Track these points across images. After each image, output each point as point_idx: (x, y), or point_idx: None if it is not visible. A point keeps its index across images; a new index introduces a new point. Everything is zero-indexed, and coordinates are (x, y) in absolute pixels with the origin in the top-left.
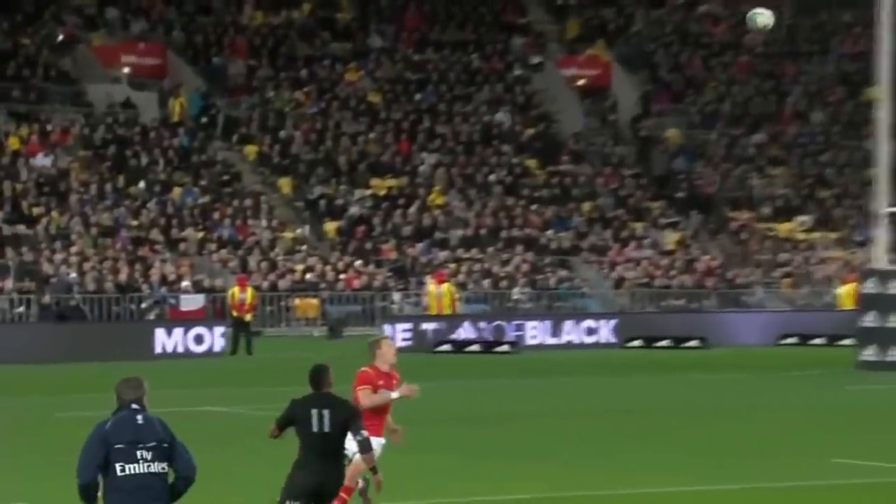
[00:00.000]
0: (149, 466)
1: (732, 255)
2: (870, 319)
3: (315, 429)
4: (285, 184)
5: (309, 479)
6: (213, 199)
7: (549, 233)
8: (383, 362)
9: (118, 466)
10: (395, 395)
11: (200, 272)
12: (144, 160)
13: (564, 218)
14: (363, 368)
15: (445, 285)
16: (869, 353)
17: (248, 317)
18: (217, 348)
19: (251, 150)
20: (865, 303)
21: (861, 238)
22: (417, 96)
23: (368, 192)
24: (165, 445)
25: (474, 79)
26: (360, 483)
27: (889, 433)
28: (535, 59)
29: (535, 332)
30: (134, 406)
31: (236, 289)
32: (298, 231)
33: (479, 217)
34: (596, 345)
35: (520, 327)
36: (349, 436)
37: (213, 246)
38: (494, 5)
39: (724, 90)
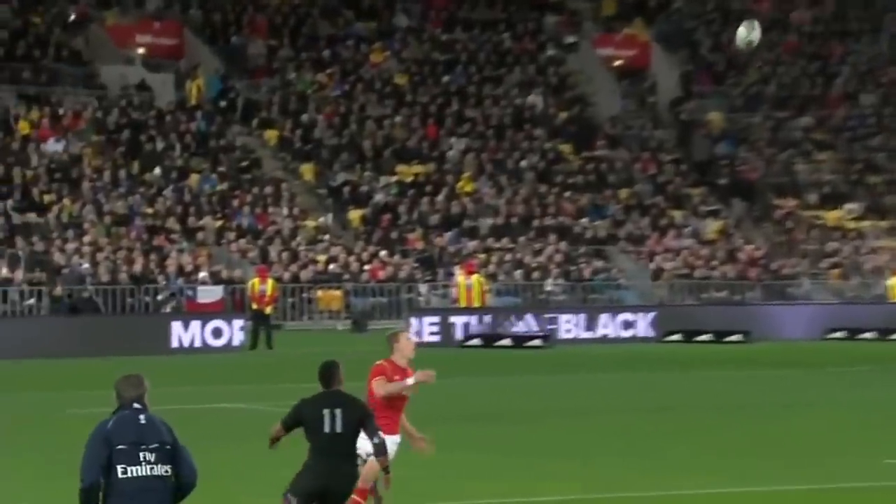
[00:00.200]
0: (152, 469)
1: (777, 244)
2: None
3: (327, 429)
4: (307, 170)
5: (314, 481)
6: (231, 186)
7: (584, 221)
8: (401, 356)
9: (120, 468)
10: (410, 381)
11: (218, 263)
12: (160, 145)
13: (600, 206)
14: (379, 362)
15: (475, 276)
16: None
17: (268, 309)
18: (236, 342)
19: (272, 134)
20: None
21: None
22: (446, 78)
23: (394, 178)
24: (168, 447)
25: (505, 59)
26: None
27: None
28: (570, 39)
29: (569, 326)
30: (135, 405)
31: (256, 280)
32: (321, 220)
33: (510, 205)
34: (633, 339)
35: (553, 321)
36: (361, 436)
37: (231, 235)
38: None
39: (768, 71)
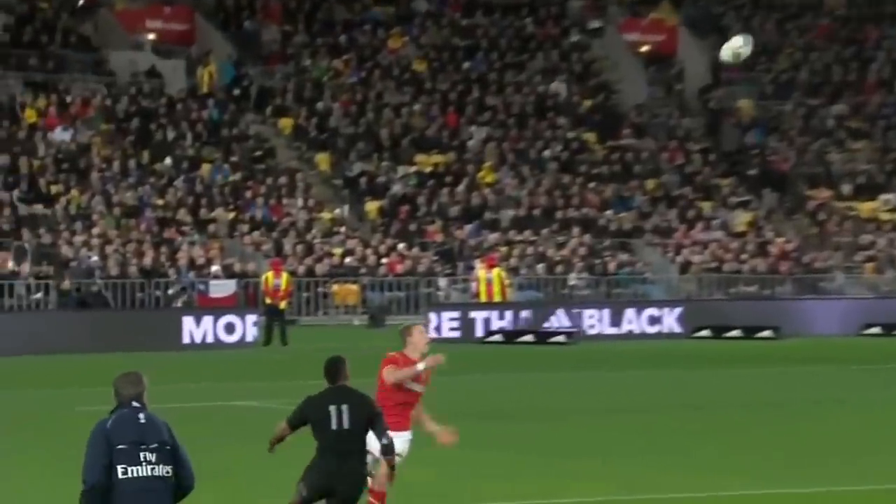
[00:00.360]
0: (153, 469)
1: (809, 237)
2: None
3: (334, 426)
4: (323, 160)
5: (322, 479)
6: (244, 177)
7: (609, 213)
8: (414, 350)
9: (119, 469)
10: (421, 366)
11: (231, 256)
12: (171, 134)
13: (625, 197)
14: (390, 353)
15: (496, 270)
16: None
17: (282, 304)
18: (249, 338)
19: (286, 123)
20: None
21: None
22: (466, 64)
23: (413, 169)
24: (168, 447)
25: (528, 45)
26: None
27: None
28: (594, 24)
29: (594, 322)
30: (134, 403)
31: (270, 274)
32: (337, 211)
33: (532, 196)
34: (659, 335)
35: (577, 316)
36: (371, 434)
37: (244, 227)
38: None
39: (800, 57)
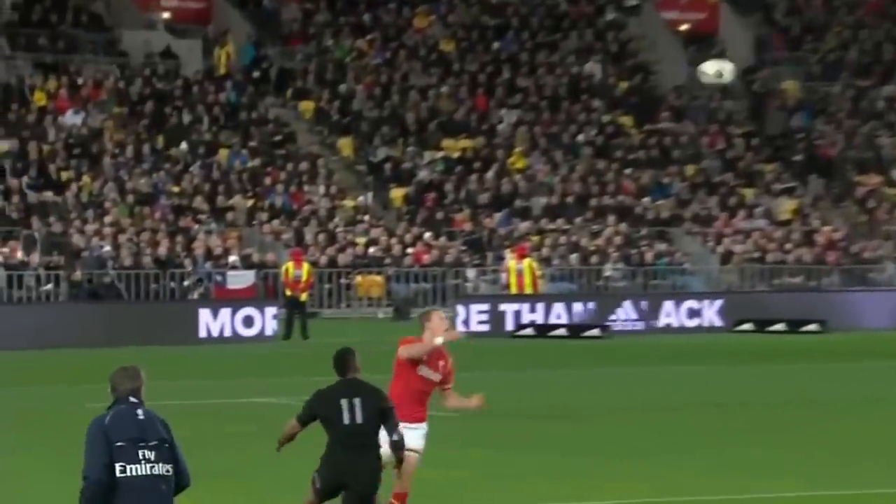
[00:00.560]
0: (152, 468)
1: (858, 225)
2: None
3: (346, 420)
4: (346, 145)
5: (335, 475)
6: (264, 163)
7: (646, 201)
8: (432, 336)
9: (118, 467)
10: (439, 340)
11: (250, 245)
12: (187, 118)
13: (663, 184)
14: (408, 337)
15: (527, 261)
16: None
17: (303, 296)
18: (268, 332)
19: (307, 106)
20: None
21: None
22: (496, 44)
23: (440, 154)
24: (167, 445)
25: (561, 24)
26: None
27: None
28: (631, 1)
29: (630, 315)
30: (132, 399)
31: (290, 264)
32: (360, 199)
33: (565, 183)
34: (699, 329)
35: (612, 309)
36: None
37: (264, 216)
38: None
39: (849, 36)
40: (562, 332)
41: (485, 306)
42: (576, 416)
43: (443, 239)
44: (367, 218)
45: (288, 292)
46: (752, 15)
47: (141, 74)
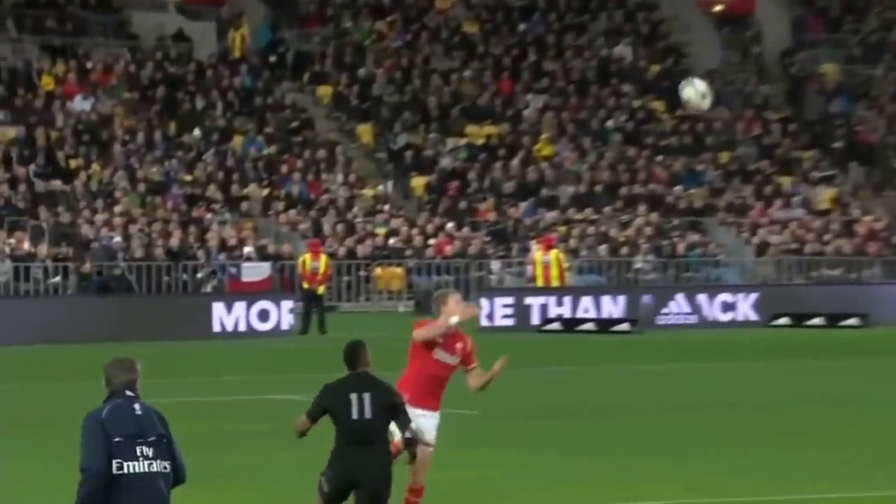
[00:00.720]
0: (150, 465)
1: None
2: None
3: (355, 415)
4: (365, 132)
5: (345, 472)
6: (280, 150)
7: (678, 189)
8: (448, 318)
9: (115, 463)
10: (454, 319)
11: (265, 236)
12: (200, 103)
13: (697, 171)
14: (422, 320)
15: (553, 252)
16: None
17: (320, 289)
18: (285, 326)
19: (325, 91)
20: None
21: None
22: (522, 26)
23: (463, 141)
24: (165, 441)
25: (589, 5)
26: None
27: None
28: None
29: (661, 308)
30: (128, 393)
31: (307, 256)
32: (380, 188)
33: (593, 171)
34: (733, 323)
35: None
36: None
37: (280, 205)
38: None
39: (891, 16)
40: (590, 326)
41: (510, 300)
42: (606, 415)
43: (466, 229)
44: (387, 207)
45: (305, 285)
46: None
47: (152, 58)
